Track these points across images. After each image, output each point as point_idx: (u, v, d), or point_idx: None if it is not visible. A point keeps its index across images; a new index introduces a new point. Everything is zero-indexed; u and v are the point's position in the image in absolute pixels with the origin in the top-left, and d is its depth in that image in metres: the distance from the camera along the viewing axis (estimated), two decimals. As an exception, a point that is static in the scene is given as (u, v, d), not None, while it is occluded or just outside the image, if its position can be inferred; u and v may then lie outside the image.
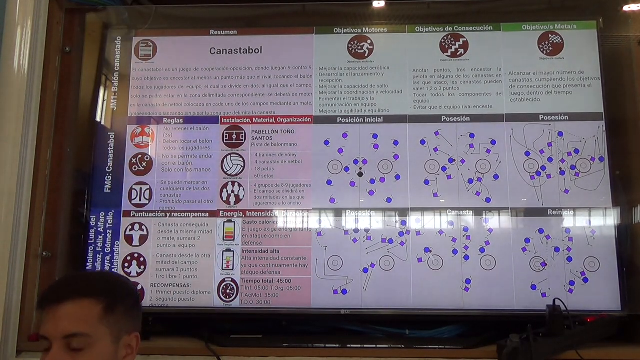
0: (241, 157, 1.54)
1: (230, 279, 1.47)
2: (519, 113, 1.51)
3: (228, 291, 1.47)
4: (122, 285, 1.07)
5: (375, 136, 1.52)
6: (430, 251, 1.45)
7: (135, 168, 1.54)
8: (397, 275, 1.44)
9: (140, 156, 1.55)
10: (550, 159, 1.48)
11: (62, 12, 1.57)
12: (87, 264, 1.49)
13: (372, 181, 1.50)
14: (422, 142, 1.51)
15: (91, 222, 1.52)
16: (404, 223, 1.47)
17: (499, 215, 1.46)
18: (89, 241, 1.51)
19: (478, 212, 1.47)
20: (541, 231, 1.45)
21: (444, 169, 1.49)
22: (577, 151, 1.48)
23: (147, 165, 1.54)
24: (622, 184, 1.47)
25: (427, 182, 1.49)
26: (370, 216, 1.48)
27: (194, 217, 1.51)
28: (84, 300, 0.95)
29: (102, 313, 0.95)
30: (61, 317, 0.94)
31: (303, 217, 1.49)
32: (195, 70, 1.59)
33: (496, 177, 1.48)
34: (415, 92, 1.55)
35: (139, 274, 1.49)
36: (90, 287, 0.99)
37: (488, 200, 1.47)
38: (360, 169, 1.51)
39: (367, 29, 1.60)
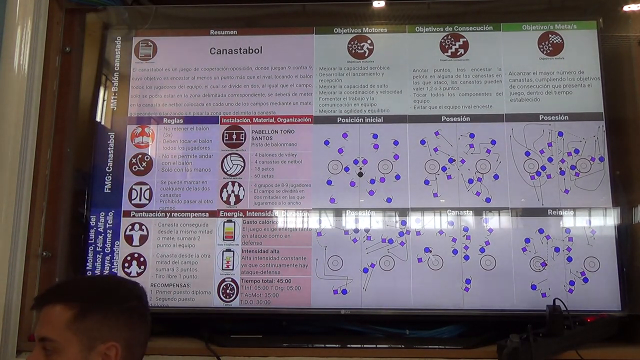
0: (241, 157, 1.54)
1: (230, 279, 1.47)
2: (519, 113, 1.51)
3: (228, 291, 1.47)
4: (108, 292, 1.04)
5: (375, 136, 1.52)
6: (430, 251, 1.45)
7: (135, 168, 1.54)
8: (397, 275, 1.44)
9: (140, 156, 1.55)
10: (550, 159, 1.48)
11: (62, 12, 1.57)
12: (87, 264, 1.50)
13: (372, 181, 1.50)
14: (422, 142, 1.51)
15: (91, 222, 1.52)
16: (404, 223, 1.47)
17: (499, 215, 1.46)
18: (89, 241, 1.51)
19: (478, 212, 1.47)
20: (541, 231, 1.45)
21: (444, 169, 1.49)
22: (577, 151, 1.48)
23: (147, 165, 1.54)
24: (622, 184, 1.47)
25: (427, 182, 1.49)
26: (370, 216, 1.48)
27: (194, 217, 1.51)
28: (57, 306, 0.97)
29: (70, 319, 0.95)
30: (39, 320, 0.99)
31: (303, 217, 1.49)
32: (195, 70, 1.59)
33: (496, 177, 1.48)
34: (415, 92, 1.55)
35: (139, 274, 1.49)
36: (67, 292, 1.01)
37: (488, 200, 1.47)
38: (360, 169, 1.51)
39: (367, 29, 1.60)
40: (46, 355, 0.95)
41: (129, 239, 1.51)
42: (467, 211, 1.47)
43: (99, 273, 1.49)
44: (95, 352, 0.96)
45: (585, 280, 1.42)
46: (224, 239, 1.49)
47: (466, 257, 1.44)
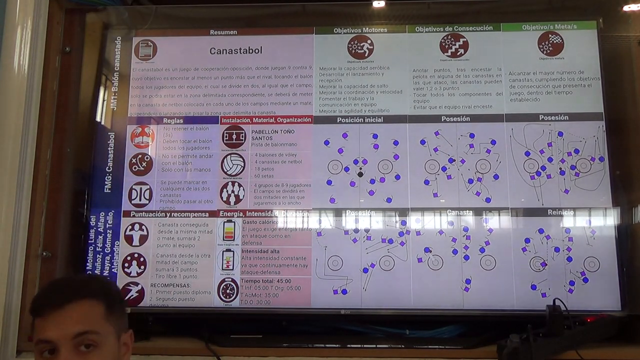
0: (241, 157, 1.54)
1: (230, 279, 1.47)
2: (519, 113, 1.51)
3: (228, 291, 1.47)
4: (112, 285, 1.13)
5: (375, 136, 1.52)
6: (430, 251, 1.45)
7: (135, 168, 1.54)
8: (397, 275, 1.44)
9: (140, 156, 1.55)
10: (550, 159, 1.48)
11: (62, 12, 1.57)
12: (87, 264, 1.50)
13: (372, 181, 1.50)
14: (422, 142, 1.51)
15: (91, 222, 1.52)
16: (404, 223, 1.47)
17: (499, 215, 1.46)
18: (89, 241, 1.51)
19: (478, 212, 1.47)
20: (541, 231, 1.45)
21: (444, 169, 1.49)
22: (577, 151, 1.48)
23: (147, 165, 1.54)
24: (622, 184, 1.47)
25: (427, 182, 1.49)
26: (370, 216, 1.48)
27: (194, 217, 1.51)
28: (87, 301, 0.97)
29: (105, 311, 0.97)
30: (67, 319, 0.94)
31: (303, 217, 1.49)
32: (195, 70, 1.59)
33: (496, 177, 1.48)
34: (415, 92, 1.55)
35: (139, 274, 1.49)
36: (89, 288, 1.01)
37: (488, 200, 1.47)
38: (360, 169, 1.51)
39: (367, 29, 1.60)
40: (81, 353, 0.92)
41: (129, 239, 1.51)
42: (467, 211, 1.47)
43: (99, 273, 1.49)
44: (121, 341, 1.01)
45: (585, 280, 1.42)
46: (224, 239, 1.49)
47: (466, 257, 1.44)
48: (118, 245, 1.50)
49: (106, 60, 1.61)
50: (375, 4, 1.60)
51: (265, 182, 1.52)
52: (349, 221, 1.48)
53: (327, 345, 1.38)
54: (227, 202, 1.51)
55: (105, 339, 0.95)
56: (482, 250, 1.45)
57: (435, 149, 1.51)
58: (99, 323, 0.96)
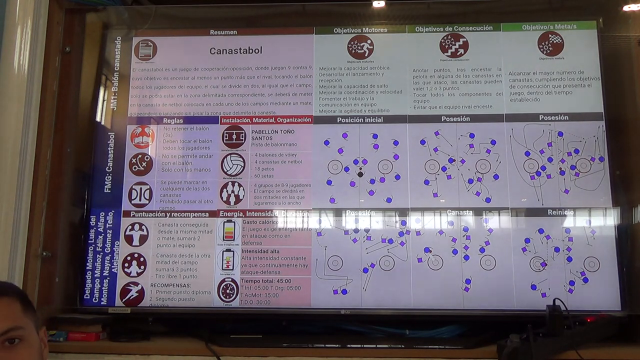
0: (241, 157, 1.54)
1: (230, 279, 1.47)
2: (519, 113, 1.51)
3: (228, 291, 1.47)
4: (16, 286, 1.14)
5: (375, 136, 1.52)
6: (430, 251, 1.45)
7: (135, 168, 1.54)
8: (397, 275, 1.44)
9: (140, 156, 1.55)
10: (550, 159, 1.48)
11: (62, 12, 1.57)
12: (87, 264, 1.50)
13: (372, 181, 1.50)
14: (422, 142, 1.51)
15: (91, 222, 1.52)
16: (403, 223, 1.47)
17: (499, 215, 1.46)
18: (89, 241, 1.51)
19: (478, 212, 1.47)
20: (541, 231, 1.45)
21: (444, 169, 1.49)
22: (577, 151, 1.48)
23: (147, 165, 1.54)
24: (622, 184, 1.47)
25: (427, 182, 1.49)
26: (370, 216, 1.48)
27: (194, 217, 1.51)
28: (5, 298, 0.96)
29: (22, 307, 0.97)
30: None
31: (303, 217, 1.49)
32: (195, 70, 1.59)
33: (496, 177, 1.48)
34: (415, 92, 1.55)
35: (139, 274, 1.49)
36: (2, 287, 1.01)
37: (488, 200, 1.47)
38: (360, 169, 1.51)
39: (367, 29, 1.60)
40: (7, 347, 0.92)
41: (129, 239, 1.51)
42: (467, 211, 1.47)
43: (99, 273, 1.49)
44: (40, 336, 1.00)
45: (585, 280, 1.42)
46: (224, 239, 1.49)
47: (466, 257, 1.44)
48: (118, 245, 1.50)
49: (106, 60, 1.61)
50: (375, 4, 1.60)
51: (265, 182, 1.52)
52: (349, 221, 1.48)
53: (327, 345, 1.38)
54: (227, 202, 1.51)
55: (28, 333, 0.96)
56: (482, 250, 1.45)
57: (435, 149, 1.51)
58: (19, 318, 0.96)
